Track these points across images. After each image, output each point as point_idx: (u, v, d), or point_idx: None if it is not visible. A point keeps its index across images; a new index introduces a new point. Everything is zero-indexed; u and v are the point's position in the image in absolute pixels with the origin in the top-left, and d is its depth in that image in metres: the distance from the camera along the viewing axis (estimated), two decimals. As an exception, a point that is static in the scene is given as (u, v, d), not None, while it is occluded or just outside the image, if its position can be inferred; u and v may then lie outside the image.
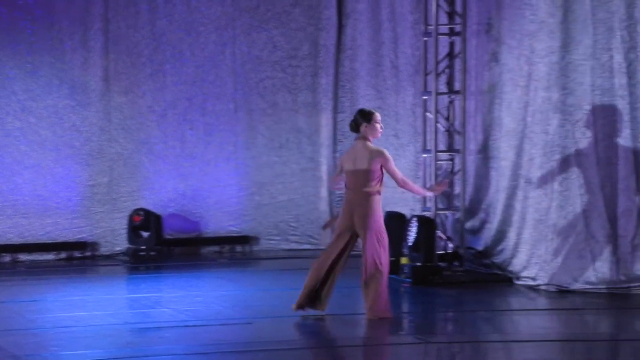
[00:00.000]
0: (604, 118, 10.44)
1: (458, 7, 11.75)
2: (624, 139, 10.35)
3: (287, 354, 8.02)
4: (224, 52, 13.72)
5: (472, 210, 11.84)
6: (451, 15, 11.84)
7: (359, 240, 9.18)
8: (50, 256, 13.18)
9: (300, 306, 9.11)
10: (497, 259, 11.41)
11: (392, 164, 9.00)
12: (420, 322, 9.63)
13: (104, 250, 13.34)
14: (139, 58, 13.45)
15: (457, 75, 11.84)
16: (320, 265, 9.05)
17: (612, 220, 10.36)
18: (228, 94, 13.76)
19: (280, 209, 13.88)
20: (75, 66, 13.23)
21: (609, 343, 8.57)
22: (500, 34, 11.44)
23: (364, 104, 12.77)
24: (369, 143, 9.02)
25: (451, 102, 11.96)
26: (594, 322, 9.55)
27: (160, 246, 13.09)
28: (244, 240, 13.78)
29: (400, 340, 8.71)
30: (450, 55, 11.92)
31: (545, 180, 10.71)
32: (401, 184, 9.10)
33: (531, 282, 10.78)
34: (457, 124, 11.88)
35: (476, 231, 11.80)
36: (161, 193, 13.51)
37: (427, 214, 11.62)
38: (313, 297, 9.11)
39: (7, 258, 13.04)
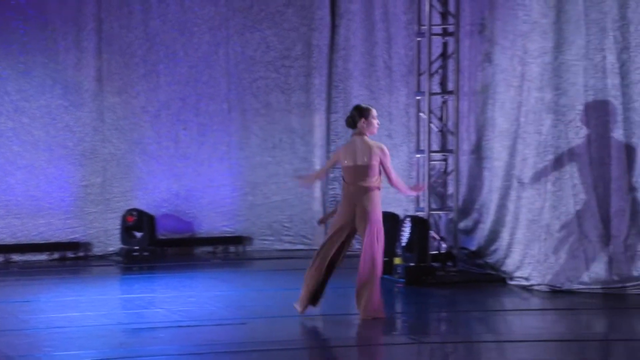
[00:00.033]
0: (597, 118, 10.45)
1: (451, 8, 11.76)
2: (617, 139, 10.36)
3: (280, 354, 8.02)
4: (217, 53, 13.72)
5: (465, 210, 11.85)
6: (444, 15, 11.85)
7: (354, 241, 9.19)
8: (43, 256, 13.16)
9: (305, 307, 9.09)
10: (491, 259, 11.42)
11: (389, 161, 9.05)
12: (413, 323, 9.64)
13: (97, 250, 13.33)
14: (132, 58, 13.44)
15: (451, 76, 11.85)
16: (320, 265, 9.03)
17: (605, 221, 10.38)
18: (221, 94, 13.75)
19: (273, 209, 13.87)
20: (68, 66, 13.22)
21: (602, 343, 8.58)
22: (493, 35, 11.45)
23: (358, 104, 12.75)
24: (367, 138, 9.05)
25: (444, 102, 11.96)
26: (587, 322, 9.56)
27: (154, 246, 13.07)
28: (238, 240, 13.77)
29: (394, 341, 8.71)
30: (444, 55, 11.93)
31: (538, 180, 10.72)
32: (394, 182, 9.14)
33: (524, 282, 10.80)
34: (450, 124, 11.88)
35: (469, 231, 11.81)
36: (154, 193, 13.50)
37: (420, 214, 11.63)
38: (313, 296, 9.10)
39: (0, 259, 13.02)
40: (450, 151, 11.84)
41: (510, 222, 11.10)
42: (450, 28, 11.75)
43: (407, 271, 11.17)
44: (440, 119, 11.98)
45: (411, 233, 11.28)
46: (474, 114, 11.82)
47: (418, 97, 11.93)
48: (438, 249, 11.74)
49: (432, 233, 11.65)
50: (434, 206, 11.81)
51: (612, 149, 10.37)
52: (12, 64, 13.02)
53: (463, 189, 11.88)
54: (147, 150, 13.50)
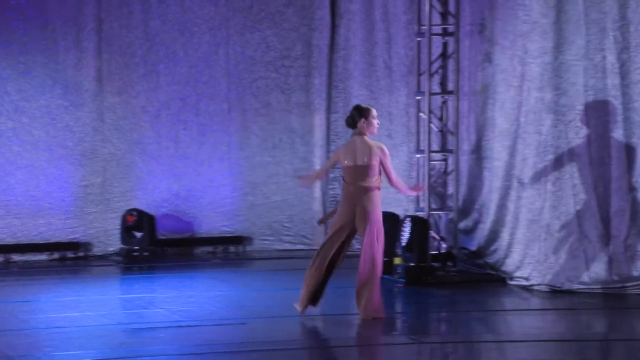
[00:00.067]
0: (597, 118, 10.45)
1: (451, 8, 11.76)
2: (617, 139, 10.36)
3: (280, 355, 8.02)
4: (217, 53, 13.72)
5: (465, 210, 11.86)
6: (444, 15, 11.85)
7: (354, 241, 9.19)
8: (43, 256, 13.16)
9: (306, 307, 9.09)
10: (491, 259, 11.42)
11: (389, 161, 9.06)
12: (413, 323, 9.64)
13: (97, 250, 13.33)
14: (132, 58, 13.44)
15: (451, 76, 11.85)
16: (320, 264, 9.03)
17: (605, 221, 10.38)
18: (221, 94, 13.76)
19: (273, 209, 13.88)
20: (68, 66, 13.22)
21: (602, 343, 8.58)
22: (493, 35, 11.45)
23: (358, 104, 12.76)
24: (367, 138, 9.06)
25: (444, 102, 11.96)
26: (587, 322, 9.56)
27: (154, 246, 13.07)
28: (238, 240, 13.77)
29: (394, 341, 8.71)
30: (444, 55, 11.93)
31: (538, 180, 10.73)
32: (394, 182, 9.15)
33: (524, 282, 10.80)
34: (450, 124, 11.88)
35: (469, 231, 11.81)
36: (154, 193, 13.50)
37: (420, 214, 11.63)
38: (313, 296, 9.10)
39: (0, 259, 13.02)
40: (450, 151, 11.84)
41: (510, 222, 11.10)
42: (450, 28, 11.75)
43: (407, 271, 11.17)
44: (440, 119, 11.99)
45: (411, 233, 11.28)
46: (474, 114, 11.82)
47: (418, 97, 11.93)
48: (438, 249, 11.75)
49: (432, 233, 11.65)
50: (434, 206, 11.81)
51: (612, 149, 10.37)
52: (12, 64, 13.02)
53: (463, 189, 11.88)
54: (147, 150, 13.50)
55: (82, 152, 13.27)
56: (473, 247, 11.72)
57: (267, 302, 10.19)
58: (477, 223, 11.73)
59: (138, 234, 13.04)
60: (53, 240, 13.17)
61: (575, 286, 10.42)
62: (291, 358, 8.02)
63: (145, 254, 12.93)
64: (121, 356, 7.90)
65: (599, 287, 10.34)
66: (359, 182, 8.96)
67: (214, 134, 13.71)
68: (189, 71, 13.62)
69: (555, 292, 10.47)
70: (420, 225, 11.34)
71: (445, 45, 11.90)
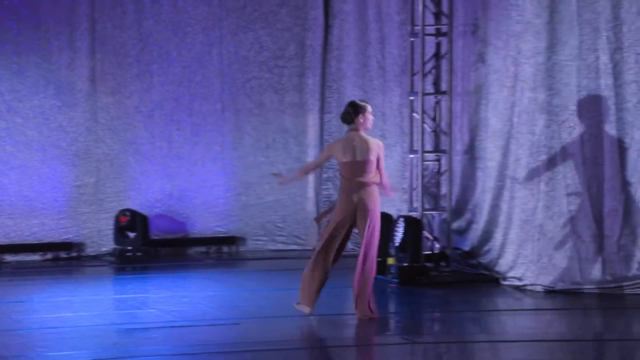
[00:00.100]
0: (590, 119, 10.47)
1: (444, 8, 11.76)
2: (610, 140, 10.38)
3: (274, 355, 8.02)
4: (210, 53, 13.71)
5: (458, 210, 11.87)
6: (438, 15, 11.86)
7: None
8: (36, 257, 13.14)
9: (313, 306, 9.04)
10: (484, 260, 11.43)
11: (383, 157, 9.11)
12: (406, 323, 9.64)
13: (90, 250, 13.32)
14: (126, 58, 13.43)
15: (444, 76, 11.86)
16: (325, 263, 9.00)
17: (598, 221, 10.39)
18: (215, 95, 13.75)
19: (267, 209, 13.87)
20: (61, 66, 13.20)
21: (595, 343, 8.59)
22: (486, 35, 11.46)
23: (351, 105, 12.75)
24: (363, 134, 9.08)
25: (438, 102, 11.97)
26: (580, 322, 9.57)
27: (147, 247, 13.06)
28: (231, 240, 13.76)
29: (387, 341, 8.72)
30: (437, 55, 11.94)
31: (531, 180, 10.74)
32: (383, 179, 9.16)
33: (517, 283, 10.81)
34: (443, 124, 11.89)
35: (463, 231, 11.82)
36: (148, 193, 13.49)
37: (413, 214, 11.63)
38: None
39: (-7, 259, 13.02)
40: (444, 151, 11.85)
41: (504, 222, 11.11)
42: (444, 28, 11.76)
43: (400, 271, 11.17)
44: (434, 119, 11.99)
45: (404, 233, 11.28)
46: (467, 114, 11.83)
47: (411, 98, 11.93)
48: (431, 249, 11.75)
49: (426, 233, 11.66)
50: (427, 206, 11.82)
51: (605, 149, 10.39)
52: (5, 64, 13.00)
53: (456, 189, 11.89)
54: (141, 151, 13.49)
55: (75, 152, 13.25)
56: (466, 248, 11.73)
57: (261, 303, 10.19)
58: (470, 223, 11.74)
59: (131, 234, 13.03)
60: (46, 240, 13.16)
61: (569, 286, 10.43)
62: (284, 358, 8.02)
63: (139, 254, 12.92)
64: (114, 356, 7.90)
65: (592, 287, 10.35)
66: (358, 177, 8.98)
67: (207, 134, 13.70)
68: (183, 71, 13.61)
69: (548, 292, 10.48)
70: (414, 225, 11.35)
71: (438, 45, 11.91)
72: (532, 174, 10.71)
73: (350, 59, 13.66)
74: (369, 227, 8.93)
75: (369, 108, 9.15)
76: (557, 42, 10.56)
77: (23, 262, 12.97)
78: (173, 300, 10.27)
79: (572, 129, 10.51)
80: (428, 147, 11.91)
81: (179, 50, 13.58)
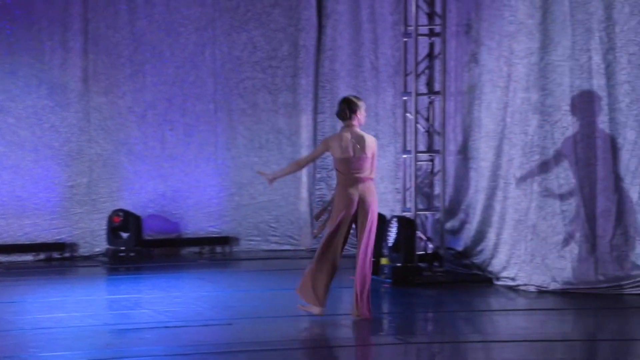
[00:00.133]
0: (583, 119, 10.48)
1: (438, 8, 11.77)
2: (603, 140, 10.39)
3: (267, 355, 8.02)
4: (204, 53, 13.70)
5: (451, 210, 11.87)
6: (431, 16, 11.87)
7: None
8: (29, 257, 13.12)
9: (324, 306, 9.04)
10: (477, 260, 11.44)
11: None
12: (400, 323, 9.65)
13: (83, 251, 13.30)
14: (119, 58, 13.42)
15: (437, 76, 11.86)
16: (334, 261, 8.98)
17: (591, 221, 10.41)
18: (208, 95, 13.74)
19: (260, 209, 13.87)
20: (54, 67, 13.19)
21: (588, 343, 8.60)
22: (479, 35, 11.47)
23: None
24: (359, 130, 9.10)
25: (431, 102, 11.98)
26: (573, 322, 9.59)
27: (140, 247, 13.05)
28: (224, 241, 13.76)
29: (381, 341, 8.72)
30: (430, 56, 11.95)
31: (524, 180, 10.75)
32: (373, 175, 9.20)
33: (510, 283, 10.82)
34: (436, 124, 11.90)
35: (456, 232, 11.83)
36: (141, 194, 13.48)
37: (407, 214, 11.64)
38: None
39: (-15, 259, 13.00)
40: (437, 152, 11.86)
41: (497, 222, 11.12)
42: (437, 29, 11.77)
43: (393, 271, 11.18)
44: (427, 119, 12.00)
45: (398, 233, 11.29)
46: (460, 115, 11.84)
47: (405, 98, 11.94)
48: (425, 249, 11.76)
49: (419, 233, 11.67)
50: (420, 206, 11.83)
51: (598, 150, 10.40)
52: (-2, 64, 13.00)
53: (449, 190, 11.90)
54: (134, 151, 13.48)
55: (68, 152, 13.24)
56: (459, 248, 11.74)
57: (254, 303, 10.19)
58: (463, 223, 11.75)
59: (124, 235, 13.01)
60: (39, 240, 13.14)
61: (562, 286, 10.45)
62: (278, 359, 8.02)
63: (132, 254, 12.90)
64: (108, 357, 7.89)
65: (585, 287, 10.36)
66: (356, 173, 9.00)
67: (200, 134, 13.69)
68: (176, 71, 13.61)
69: (541, 292, 10.50)
70: (407, 225, 11.35)
71: (431, 45, 11.92)
72: (525, 175, 10.72)
73: (343, 59, 13.67)
74: (369, 222, 8.96)
75: (363, 104, 9.18)
76: (549, 42, 10.57)
77: (15, 263, 12.95)
78: (166, 301, 10.26)
79: (565, 129, 10.53)
80: (421, 148, 11.92)
81: (172, 51, 13.57)
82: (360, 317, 9.00)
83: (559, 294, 10.36)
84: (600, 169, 10.39)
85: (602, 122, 10.39)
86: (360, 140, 9.04)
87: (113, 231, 13.00)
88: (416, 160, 11.72)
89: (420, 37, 11.72)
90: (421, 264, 11.45)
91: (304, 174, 13.95)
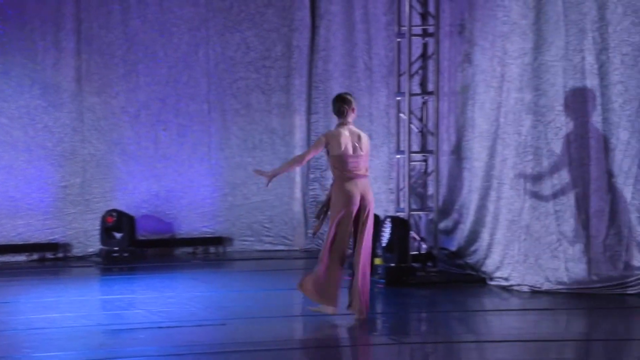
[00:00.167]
0: (576, 119, 10.49)
1: (431, 9, 11.78)
2: (596, 140, 10.40)
3: (261, 355, 8.02)
4: (197, 53, 13.70)
5: (445, 210, 11.88)
6: (424, 16, 11.87)
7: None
8: (22, 257, 13.10)
9: (337, 304, 9.02)
10: (471, 260, 11.45)
11: None
12: (393, 323, 9.65)
13: (76, 251, 13.29)
14: (112, 58, 13.40)
15: (431, 77, 11.87)
16: (342, 259, 8.98)
17: (584, 221, 10.42)
18: (202, 95, 13.73)
19: (254, 209, 13.87)
20: (47, 67, 13.17)
21: (581, 343, 8.61)
22: (473, 36, 11.48)
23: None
24: (354, 127, 9.13)
25: (424, 103, 11.99)
26: (566, 322, 9.60)
27: (134, 247, 13.04)
28: (218, 241, 13.75)
29: (374, 341, 8.72)
30: (424, 56, 11.95)
31: (517, 181, 10.76)
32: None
33: (504, 283, 10.83)
34: (430, 124, 11.91)
35: (449, 232, 11.84)
36: (134, 194, 13.47)
37: (400, 214, 11.64)
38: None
39: (-22, 260, 12.98)
40: (431, 152, 11.86)
41: (490, 222, 11.13)
42: (430, 29, 11.77)
43: (387, 272, 11.18)
44: (421, 119, 12.01)
45: (391, 233, 11.29)
46: (453, 115, 11.85)
47: (398, 98, 11.95)
48: (418, 249, 11.76)
49: (413, 233, 11.67)
50: (414, 207, 11.83)
51: (592, 150, 10.41)
52: (-9, 65, 12.98)
53: (443, 190, 11.91)
54: (127, 151, 13.47)
55: (61, 152, 13.22)
56: (453, 248, 11.75)
57: (248, 303, 10.19)
58: (457, 223, 11.75)
59: (118, 235, 13.00)
60: (32, 241, 13.12)
61: (555, 286, 10.46)
62: (271, 359, 8.02)
63: (125, 254, 12.89)
64: (101, 357, 7.88)
65: (578, 287, 10.38)
66: (355, 170, 9.02)
67: (194, 134, 13.69)
68: (169, 71, 13.60)
69: (534, 292, 10.51)
70: (401, 225, 11.36)
71: (425, 46, 11.93)
72: (519, 175, 10.73)
73: (337, 60, 13.67)
74: (369, 220, 9.00)
75: (354, 101, 9.22)
76: (543, 42, 10.58)
77: (9, 263, 12.93)
78: (160, 301, 10.26)
79: (559, 129, 10.54)
80: (415, 148, 11.92)
81: (165, 51, 13.56)
82: (360, 314, 8.99)
83: (553, 294, 10.37)
84: (593, 169, 10.40)
85: (596, 122, 10.40)
86: (357, 138, 9.08)
87: (106, 231, 12.98)
88: (410, 160, 11.73)
89: (413, 38, 11.73)
90: (415, 264, 11.45)
91: (297, 174, 13.95)
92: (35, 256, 13.16)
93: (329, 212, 9.10)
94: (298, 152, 13.95)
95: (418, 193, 12.01)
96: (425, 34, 11.84)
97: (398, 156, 11.92)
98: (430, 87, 11.87)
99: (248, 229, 13.85)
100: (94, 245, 13.18)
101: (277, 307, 9.78)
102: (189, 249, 13.72)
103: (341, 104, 9.11)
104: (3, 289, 11.26)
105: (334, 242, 9.00)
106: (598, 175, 10.39)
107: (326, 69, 13.85)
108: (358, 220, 9.03)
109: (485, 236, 11.21)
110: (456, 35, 11.74)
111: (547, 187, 10.57)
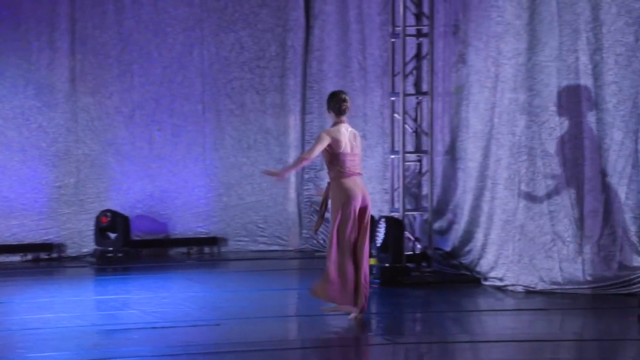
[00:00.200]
0: (570, 119, 10.50)
1: (425, 9, 11.79)
2: (590, 140, 10.41)
3: (255, 356, 8.02)
4: (191, 53, 13.69)
5: (439, 211, 11.89)
6: (418, 16, 11.88)
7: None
8: (16, 258, 13.08)
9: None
10: (465, 260, 11.45)
11: None
12: (388, 323, 9.65)
13: (70, 251, 13.27)
14: (106, 59, 13.39)
15: (425, 77, 11.88)
16: (350, 259, 8.99)
17: (579, 221, 10.43)
18: (196, 95, 13.73)
19: (248, 210, 13.86)
20: (41, 67, 13.15)
21: (575, 343, 8.62)
22: (467, 36, 11.49)
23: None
24: (349, 126, 9.14)
25: (419, 103, 11.99)
26: (560, 322, 9.61)
27: (128, 247, 13.02)
28: (212, 241, 13.75)
29: (369, 341, 8.72)
30: (418, 56, 11.96)
31: (512, 181, 10.76)
32: None
33: (498, 283, 10.83)
34: (424, 125, 11.92)
35: (444, 232, 11.85)
36: (129, 194, 13.45)
37: (395, 215, 11.65)
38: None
39: (-28, 260, 12.96)
40: (425, 152, 11.87)
41: (485, 222, 11.14)
42: (425, 29, 11.78)
43: (382, 272, 11.18)
44: (415, 119, 12.01)
45: (386, 234, 11.30)
46: (448, 115, 11.86)
47: (392, 98, 11.95)
48: (413, 249, 11.77)
49: (407, 234, 11.68)
50: (408, 207, 11.84)
51: (586, 150, 10.42)
52: (-15, 65, 12.96)
53: (437, 190, 11.92)
54: (121, 151, 13.45)
55: (55, 152, 13.21)
56: (447, 248, 11.76)
57: (242, 303, 10.18)
58: (451, 224, 11.76)
59: (112, 235, 12.99)
60: (26, 241, 13.10)
61: (549, 287, 10.47)
62: (266, 359, 8.02)
63: (120, 255, 12.88)
64: (95, 357, 7.88)
65: (572, 287, 10.39)
66: (355, 169, 9.05)
67: (188, 134, 13.68)
68: (163, 72, 13.59)
69: (529, 292, 10.51)
70: (395, 226, 11.36)
71: (419, 46, 11.93)
72: (513, 175, 10.74)
73: (331, 60, 13.67)
74: (367, 218, 9.00)
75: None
76: (537, 43, 10.59)
77: (3, 263, 12.91)
78: (154, 301, 10.25)
79: (553, 129, 10.55)
80: (409, 148, 11.93)
81: (159, 51, 13.55)
82: (360, 312, 8.98)
83: (547, 294, 10.38)
84: (587, 169, 10.42)
85: (590, 122, 10.42)
86: (353, 136, 9.11)
87: (101, 232, 12.97)
88: (404, 160, 11.73)
89: (408, 38, 11.73)
90: (409, 264, 11.46)
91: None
92: (29, 256, 13.14)
93: (328, 210, 9.11)
94: (293, 152, 13.97)
95: (412, 193, 12.02)
96: (419, 34, 11.85)
97: (392, 156, 11.93)
98: (425, 87, 11.88)
99: (242, 229, 13.84)
100: (89, 245, 13.17)
101: (272, 308, 9.78)
102: (184, 249, 13.71)
103: (342, 102, 9.10)
104: (-3, 290, 11.26)
105: (339, 240, 8.98)
106: (592, 176, 10.40)
107: (320, 69, 13.85)
108: (362, 218, 9.02)
109: (479, 236, 11.22)
110: (450, 35, 11.75)
111: (541, 188, 10.58)
